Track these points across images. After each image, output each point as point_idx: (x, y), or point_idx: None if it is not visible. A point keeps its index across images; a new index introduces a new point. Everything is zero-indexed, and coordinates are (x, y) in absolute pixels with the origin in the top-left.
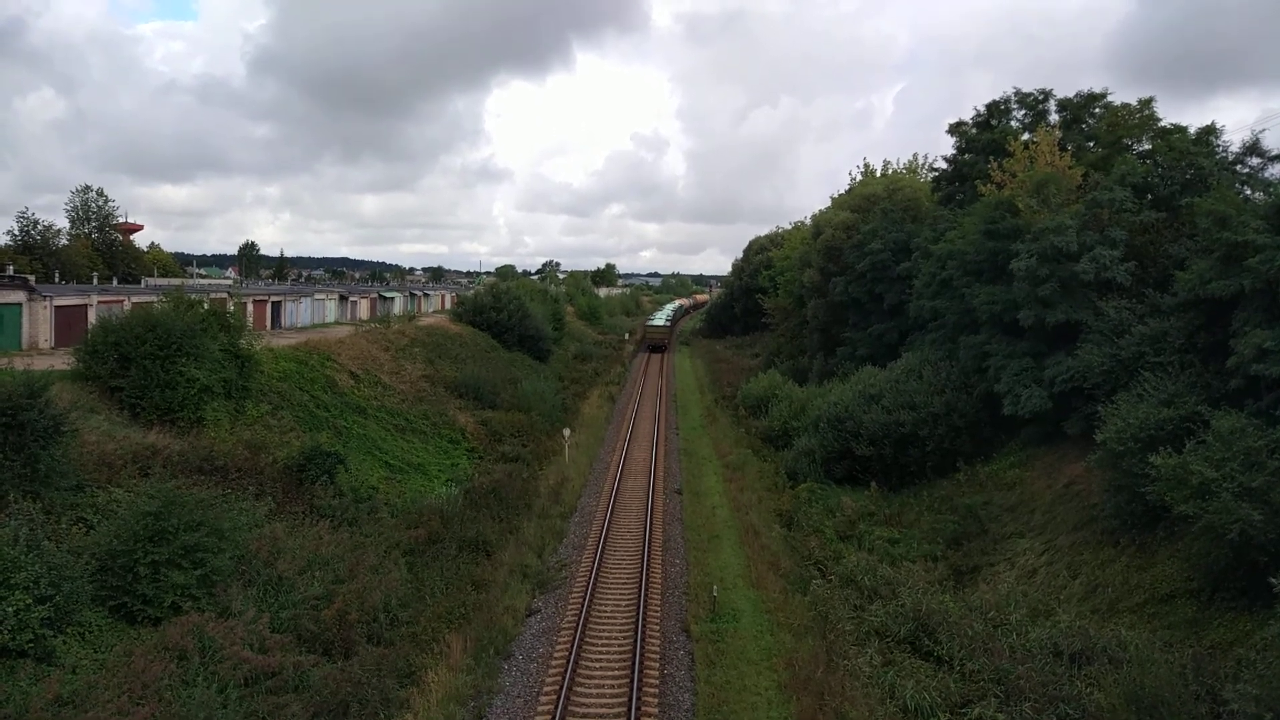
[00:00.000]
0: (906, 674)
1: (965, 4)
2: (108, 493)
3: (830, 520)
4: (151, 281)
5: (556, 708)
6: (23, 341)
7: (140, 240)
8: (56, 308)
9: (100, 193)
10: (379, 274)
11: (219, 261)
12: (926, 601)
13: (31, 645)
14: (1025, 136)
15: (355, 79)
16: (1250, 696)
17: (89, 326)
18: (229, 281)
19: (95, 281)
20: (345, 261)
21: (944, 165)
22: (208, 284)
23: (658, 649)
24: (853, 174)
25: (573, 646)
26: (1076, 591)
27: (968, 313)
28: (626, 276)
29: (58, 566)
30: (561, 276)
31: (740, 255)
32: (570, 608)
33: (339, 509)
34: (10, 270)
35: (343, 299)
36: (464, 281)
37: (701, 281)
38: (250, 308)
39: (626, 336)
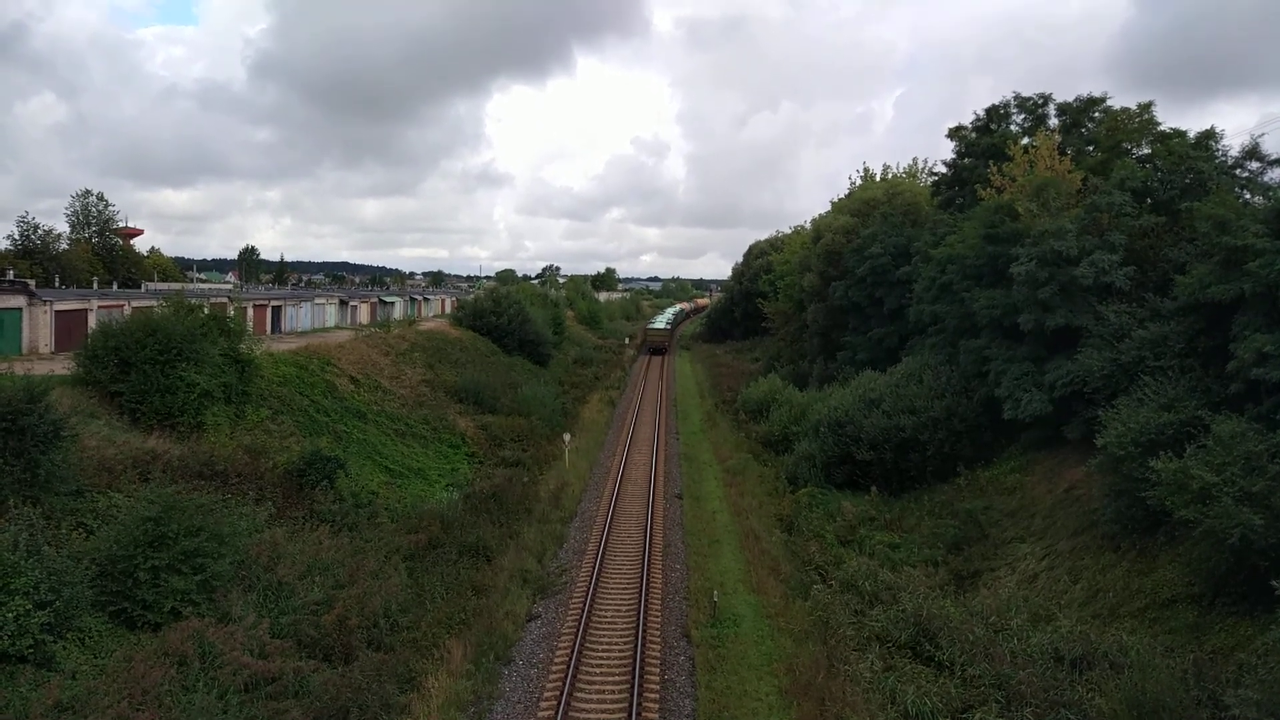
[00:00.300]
0: (907, 679)
1: (965, 9)
2: (108, 498)
3: (831, 525)
4: (152, 286)
5: (557, 713)
6: (23, 346)
7: (140, 245)
8: (57, 312)
9: (101, 197)
10: (379, 278)
11: (219, 266)
12: (927, 606)
13: (31, 651)
14: (1025, 141)
15: (356, 83)
16: (1252, 702)
17: (89, 331)
18: (229, 286)
19: (95, 286)
20: (345, 266)
21: (944, 169)
22: (208, 289)
23: (658, 654)
24: (852, 178)
25: (573, 651)
26: (1077, 596)
27: (968, 317)
28: (626, 281)
29: (58, 572)
30: (561, 281)
31: (740, 260)
32: (571, 613)
33: (339, 514)
34: (11, 275)
35: (343, 304)
36: (464, 286)
37: (701, 286)
38: (250, 312)
39: (627, 341)
